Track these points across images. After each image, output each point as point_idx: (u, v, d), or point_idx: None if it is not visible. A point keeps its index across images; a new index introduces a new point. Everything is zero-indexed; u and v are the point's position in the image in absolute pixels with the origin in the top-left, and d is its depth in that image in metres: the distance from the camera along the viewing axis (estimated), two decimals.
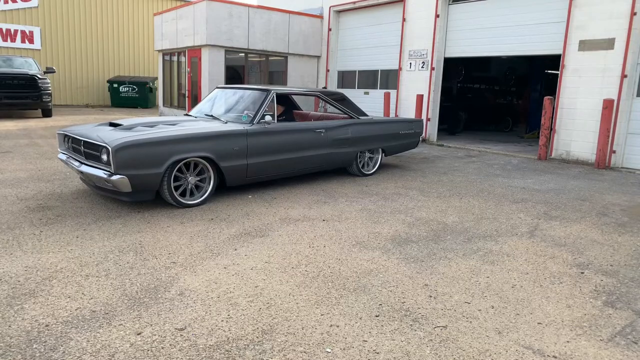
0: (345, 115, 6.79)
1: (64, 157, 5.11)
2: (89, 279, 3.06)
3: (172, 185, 4.68)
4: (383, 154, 7.15)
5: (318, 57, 14.45)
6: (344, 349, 2.35)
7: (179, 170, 4.77)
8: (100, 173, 4.38)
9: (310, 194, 5.64)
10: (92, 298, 2.79)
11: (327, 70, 14.27)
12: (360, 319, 2.66)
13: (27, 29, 18.53)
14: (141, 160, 4.38)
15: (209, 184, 5.00)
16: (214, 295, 2.88)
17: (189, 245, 3.76)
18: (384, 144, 7.05)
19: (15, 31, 18.33)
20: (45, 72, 14.09)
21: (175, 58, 14.86)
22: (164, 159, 4.52)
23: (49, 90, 13.31)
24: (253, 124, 5.35)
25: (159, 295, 2.86)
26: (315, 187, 6.07)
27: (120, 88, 19.36)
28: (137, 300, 2.79)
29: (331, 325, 2.57)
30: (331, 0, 13.75)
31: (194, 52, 13.25)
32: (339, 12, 13.88)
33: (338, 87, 14.27)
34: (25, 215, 4.37)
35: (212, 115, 5.82)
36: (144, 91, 19.39)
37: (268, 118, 5.39)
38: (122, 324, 2.50)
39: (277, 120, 6.19)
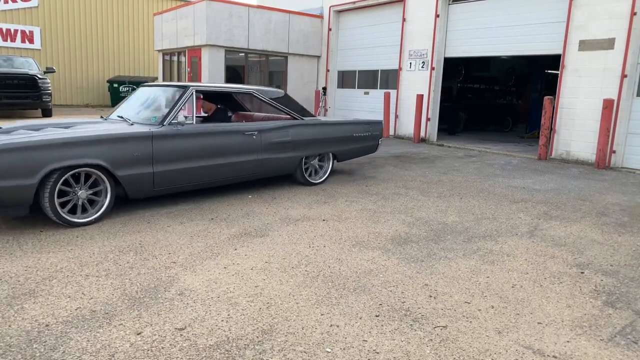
0: (287, 116, 6.05)
1: None
2: (89, 278, 3.06)
3: (57, 200, 3.98)
4: (335, 160, 6.47)
5: (318, 57, 14.44)
6: (344, 349, 2.35)
7: (67, 183, 4.07)
8: None
9: (310, 194, 5.64)
10: (92, 298, 2.79)
11: (327, 70, 14.27)
12: (360, 319, 2.66)
13: (27, 29, 18.52)
14: (5, 170, 3.71)
15: (106, 197, 4.30)
16: (214, 295, 2.88)
17: (189, 245, 3.76)
18: (334, 148, 6.32)
19: (15, 31, 18.32)
20: (45, 72, 14.08)
21: (175, 58, 14.85)
22: (37, 168, 3.81)
23: (49, 90, 13.30)
24: (163, 125, 4.67)
25: (159, 295, 2.86)
26: (315, 187, 6.07)
27: (120, 88, 19.35)
28: (137, 300, 2.79)
29: (331, 325, 2.57)
30: (331, 0, 13.75)
31: (194, 52, 13.24)
32: (339, 12, 13.87)
33: (338, 87, 14.27)
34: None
35: (122, 117, 5.19)
36: None
37: (181, 118, 4.77)
38: (122, 324, 2.51)
39: (208, 122, 5.59)
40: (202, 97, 6.12)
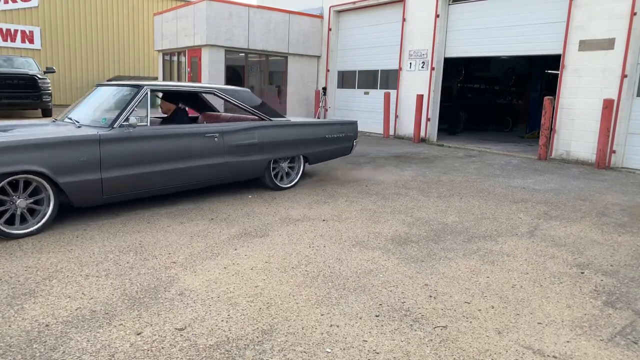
0: (254, 117, 5.72)
1: None
2: (89, 279, 3.06)
3: None
4: (306, 163, 6.16)
5: (318, 57, 14.45)
6: (344, 349, 2.35)
7: (3, 191, 3.74)
8: None
9: (310, 194, 5.64)
10: (92, 298, 2.79)
11: (327, 70, 14.27)
12: (360, 319, 2.66)
13: (27, 29, 18.53)
14: None
15: (48, 206, 3.94)
16: (214, 295, 2.88)
17: (189, 245, 3.76)
18: (305, 150, 5.99)
19: (15, 31, 18.33)
20: (45, 72, 14.09)
21: (175, 58, 14.86)
22: None
23: (49, 90, 13.30)
24: (113, 127, 4.33)
25: (159, 295, 2.86)
26: (315, 187, 6.07)
27: None
28: (137, 300, 2.79)
29: (331, 325, 2.57)
30: (331, 0, 13.75)
31: (194, 52, 13.24)
32: (339, 12, 13.87)
33: (338, 87, 14.28)
34: None
35: (71, 119, 4.84)
36: None
37: (132, 120, 4.40)
38: (122, 324, 2.51)
39: (166, 123, 5.35)
40: (161, 96, 5.75)
